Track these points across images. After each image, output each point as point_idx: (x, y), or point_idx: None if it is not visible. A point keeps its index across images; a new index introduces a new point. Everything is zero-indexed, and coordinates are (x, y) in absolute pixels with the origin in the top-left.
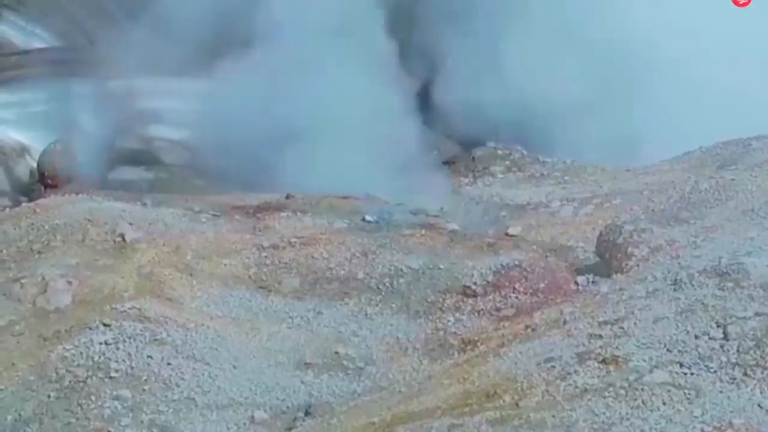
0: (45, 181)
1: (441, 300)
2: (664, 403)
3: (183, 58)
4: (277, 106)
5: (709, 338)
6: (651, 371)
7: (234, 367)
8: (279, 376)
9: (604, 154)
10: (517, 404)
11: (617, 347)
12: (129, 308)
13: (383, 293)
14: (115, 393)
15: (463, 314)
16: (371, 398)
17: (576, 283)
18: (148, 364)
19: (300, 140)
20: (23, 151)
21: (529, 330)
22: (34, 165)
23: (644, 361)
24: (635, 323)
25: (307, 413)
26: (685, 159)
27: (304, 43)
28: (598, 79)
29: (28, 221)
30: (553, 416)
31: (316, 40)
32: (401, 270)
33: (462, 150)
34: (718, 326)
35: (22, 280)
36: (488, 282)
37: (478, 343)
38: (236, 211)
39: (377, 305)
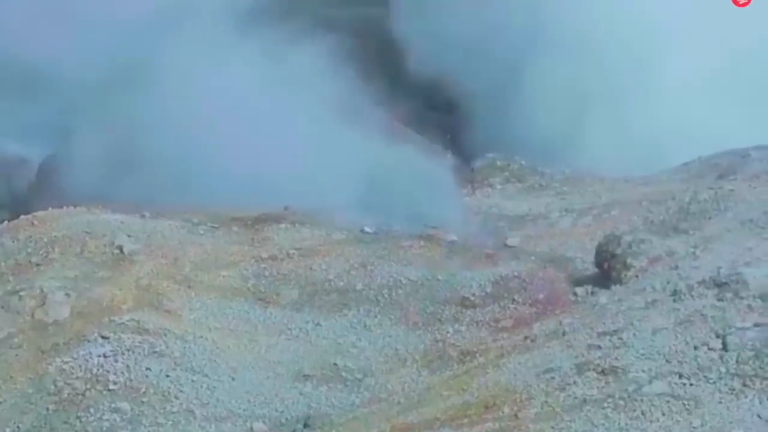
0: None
1: (440, 311)
2: (664, 414)
3: None
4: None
5: (708, 349)
6: (650, 382)
7: (233, 378)
8: (278, 387)
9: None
10: (516, 415)
11: (616, 358)
12: (127, 320)
13: (382, 304)
14: (113, 405)
15: (462, 325)
16: (370, 410)
17: (575, 293)
18: (147, 377)
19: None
20: (22, 163)
21: (528, 341)
22: (33, 177)
23: (643, 371)
24: (634, 334)
25: (305, 425)
26: (684, 169)
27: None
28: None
29: (27, 234)
30: (552, 427)
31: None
32: (400, 281)
33: (461, 161)
34: (717, 337)
35: (21, 293)
36: (487, 293)
37: (477, 354)
38: (235, 222)
39: (376, 317)
